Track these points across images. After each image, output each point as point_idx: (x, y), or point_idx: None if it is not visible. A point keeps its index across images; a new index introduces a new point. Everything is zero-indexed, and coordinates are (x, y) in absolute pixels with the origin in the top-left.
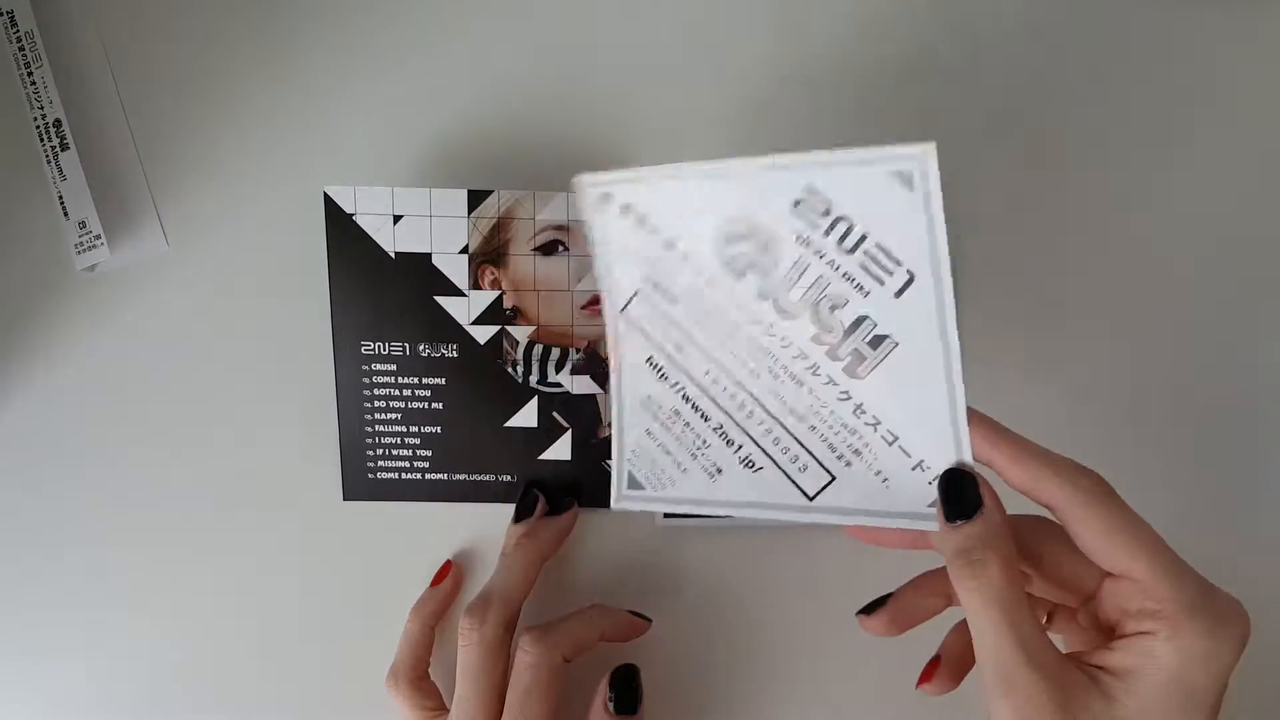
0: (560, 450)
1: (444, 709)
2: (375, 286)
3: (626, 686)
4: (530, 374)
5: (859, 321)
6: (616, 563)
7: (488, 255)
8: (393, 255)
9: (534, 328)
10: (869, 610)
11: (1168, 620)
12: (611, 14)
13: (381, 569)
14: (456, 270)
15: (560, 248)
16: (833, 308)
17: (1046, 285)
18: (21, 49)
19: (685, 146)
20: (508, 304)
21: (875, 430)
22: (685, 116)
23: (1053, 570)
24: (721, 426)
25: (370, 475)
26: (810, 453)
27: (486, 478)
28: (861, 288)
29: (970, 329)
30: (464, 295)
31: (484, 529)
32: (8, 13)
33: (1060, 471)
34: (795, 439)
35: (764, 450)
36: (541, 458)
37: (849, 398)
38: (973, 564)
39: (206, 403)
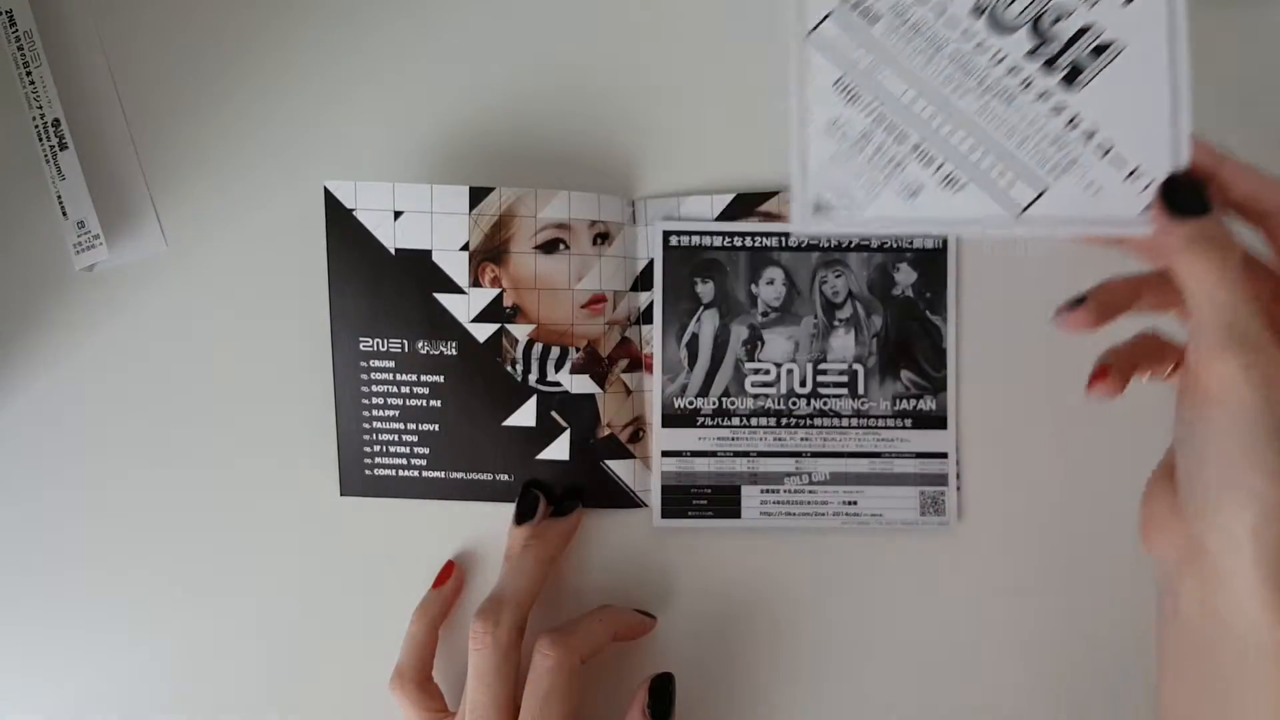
0: (558, 450)
1: (447, 711)
2: (375, 283)
3: (663, 694)
4: (529, 373)
5: (1082, 31)
6: (615, 563)
7: (488, 253)
8: (393, 251)
9: (534, 326)
10: (1071, 306)
11: None
12: (613, 10)
13: (379, 568)
14: (457, 267)
15: (561, 246)
16: (1055, 19)
17: None
18: (21, 49)
19: (687, 145)
20: (508, 302)
21: (1088, 141)
22: (687, 114)
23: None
24: (919, 145)
25: (367, 471)
26: (1020, 167)
27: (484, 476)
28: None
29: None
30: (464, 293)
31: (481, 528)
32: (7, 12)
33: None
34: (1004, 154)
35: (969, 167)
36: (539, 457)
37: (1062, 110)
38: (1209, 240)
39: (205, 400)
